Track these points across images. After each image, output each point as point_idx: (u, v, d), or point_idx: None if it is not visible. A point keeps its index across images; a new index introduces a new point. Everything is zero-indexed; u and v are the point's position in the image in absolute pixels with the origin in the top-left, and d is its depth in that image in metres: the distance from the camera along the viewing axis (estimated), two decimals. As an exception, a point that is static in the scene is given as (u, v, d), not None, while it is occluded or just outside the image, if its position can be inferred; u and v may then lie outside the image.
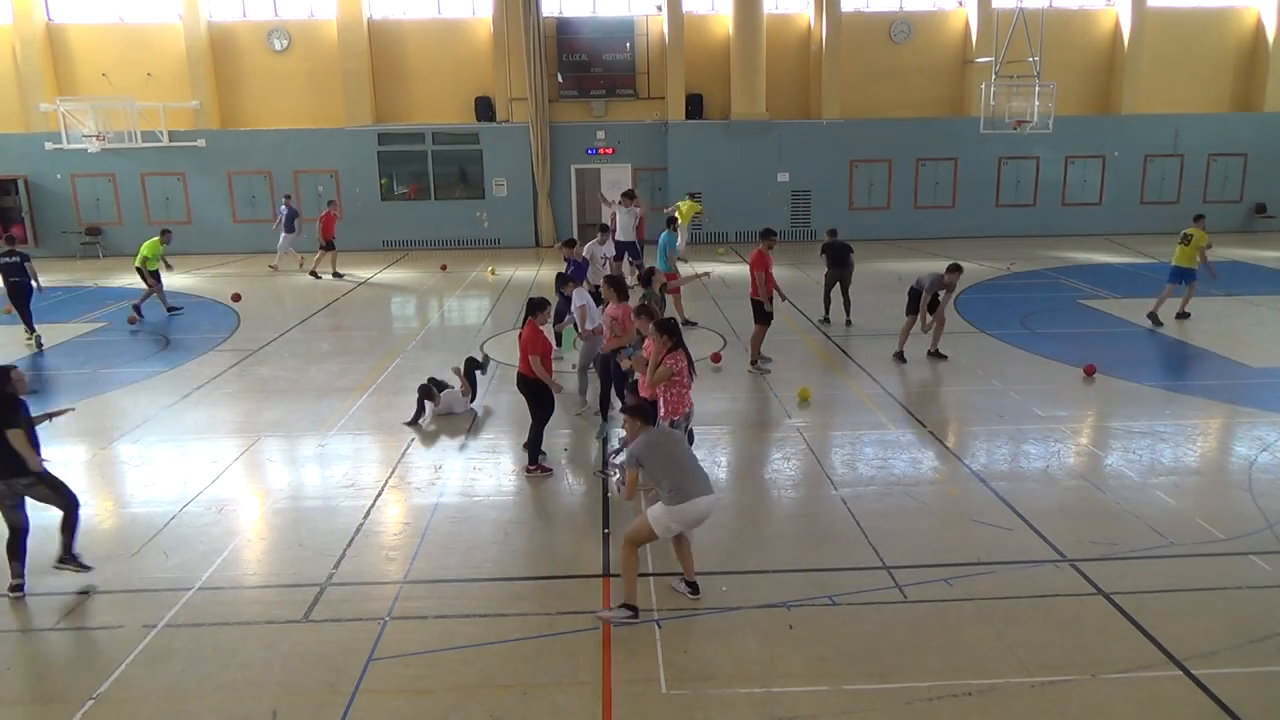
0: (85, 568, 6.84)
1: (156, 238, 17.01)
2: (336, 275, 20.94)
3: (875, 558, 7.04)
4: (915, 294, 12.59)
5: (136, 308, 16.47)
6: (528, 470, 8.90)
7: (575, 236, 14.72)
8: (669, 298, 13.81)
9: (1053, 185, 26.36)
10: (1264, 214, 26.70)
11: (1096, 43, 26.53)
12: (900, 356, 12.77)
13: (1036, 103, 23.37)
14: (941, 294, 12.52)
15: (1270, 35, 26.18)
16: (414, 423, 10.37)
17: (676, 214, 21.58)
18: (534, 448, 8.89)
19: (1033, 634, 5.92)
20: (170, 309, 17.03)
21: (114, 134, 23.18)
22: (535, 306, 8.78)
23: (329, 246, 20.85)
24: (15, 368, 6.69)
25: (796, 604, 6.35)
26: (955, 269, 12.43)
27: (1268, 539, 7.24)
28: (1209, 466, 8.97)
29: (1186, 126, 26.14)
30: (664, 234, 15.47)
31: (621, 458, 8.81)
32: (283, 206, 22.20)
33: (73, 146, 23.37)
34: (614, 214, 18.94)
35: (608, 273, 13.89)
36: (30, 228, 25.02)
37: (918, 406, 10.72)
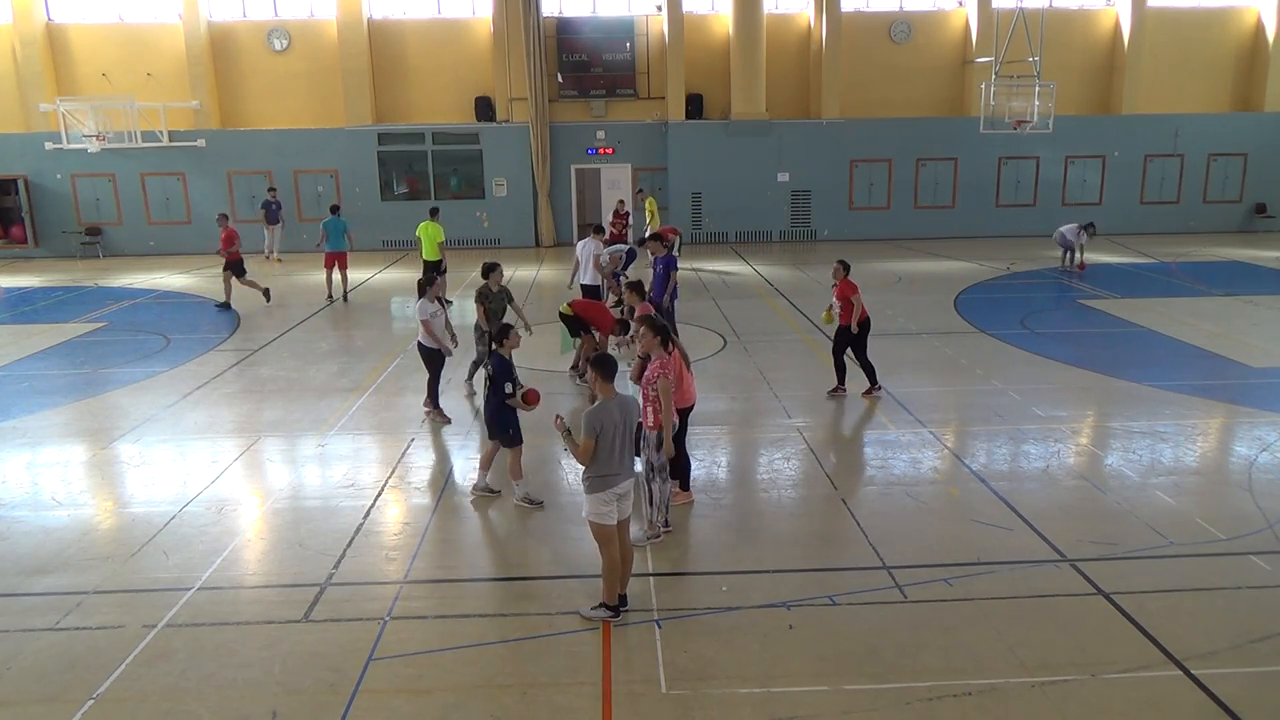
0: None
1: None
2: None
3: (875, 558, 7.04)
4: None
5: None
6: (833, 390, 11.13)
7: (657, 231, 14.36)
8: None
9: (1053, 185, 26.36)
10: (1264, 214, 26.71)
11: (1096, 43, 26.53)
12: None
13: (1036, 103, 23.37)
14: None
15: (1270, 35, 26.18)
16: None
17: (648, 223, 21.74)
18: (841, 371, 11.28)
19: (1033, 634, 5.92)
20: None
21: (114, 134, 23.22)
22: (847, 267, 11.21)
23: None
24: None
25: (796, 604, 6.34)
26: None
27: (1268, 539, 7.24)
28: (1209, 466, 8.96)
29: (1186, 126, 26.13)
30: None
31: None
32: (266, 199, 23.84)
33: (73, 146, 23.41)
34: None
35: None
36: (30, 228, 25.03)
37: (918, 406, 10.72)
